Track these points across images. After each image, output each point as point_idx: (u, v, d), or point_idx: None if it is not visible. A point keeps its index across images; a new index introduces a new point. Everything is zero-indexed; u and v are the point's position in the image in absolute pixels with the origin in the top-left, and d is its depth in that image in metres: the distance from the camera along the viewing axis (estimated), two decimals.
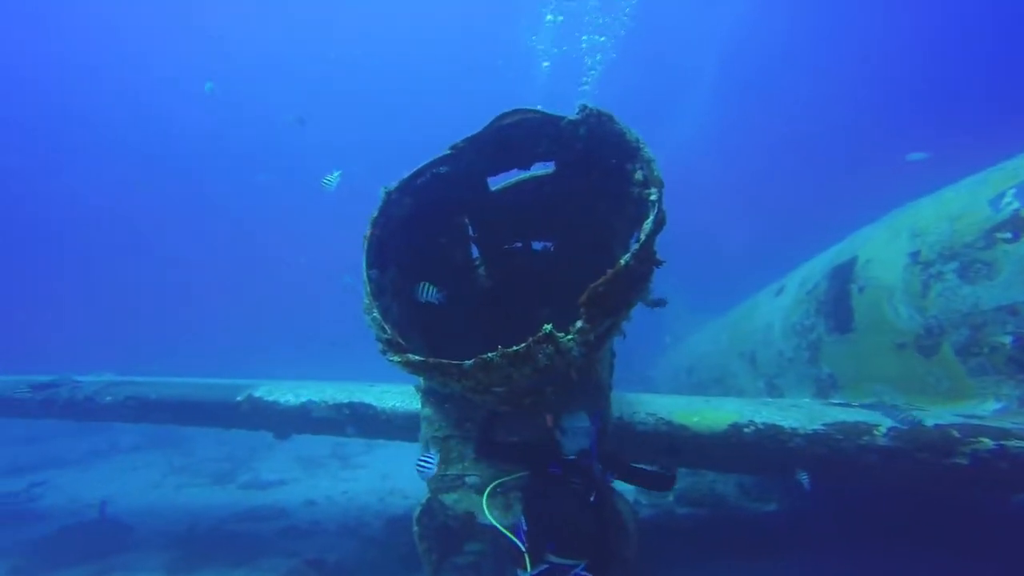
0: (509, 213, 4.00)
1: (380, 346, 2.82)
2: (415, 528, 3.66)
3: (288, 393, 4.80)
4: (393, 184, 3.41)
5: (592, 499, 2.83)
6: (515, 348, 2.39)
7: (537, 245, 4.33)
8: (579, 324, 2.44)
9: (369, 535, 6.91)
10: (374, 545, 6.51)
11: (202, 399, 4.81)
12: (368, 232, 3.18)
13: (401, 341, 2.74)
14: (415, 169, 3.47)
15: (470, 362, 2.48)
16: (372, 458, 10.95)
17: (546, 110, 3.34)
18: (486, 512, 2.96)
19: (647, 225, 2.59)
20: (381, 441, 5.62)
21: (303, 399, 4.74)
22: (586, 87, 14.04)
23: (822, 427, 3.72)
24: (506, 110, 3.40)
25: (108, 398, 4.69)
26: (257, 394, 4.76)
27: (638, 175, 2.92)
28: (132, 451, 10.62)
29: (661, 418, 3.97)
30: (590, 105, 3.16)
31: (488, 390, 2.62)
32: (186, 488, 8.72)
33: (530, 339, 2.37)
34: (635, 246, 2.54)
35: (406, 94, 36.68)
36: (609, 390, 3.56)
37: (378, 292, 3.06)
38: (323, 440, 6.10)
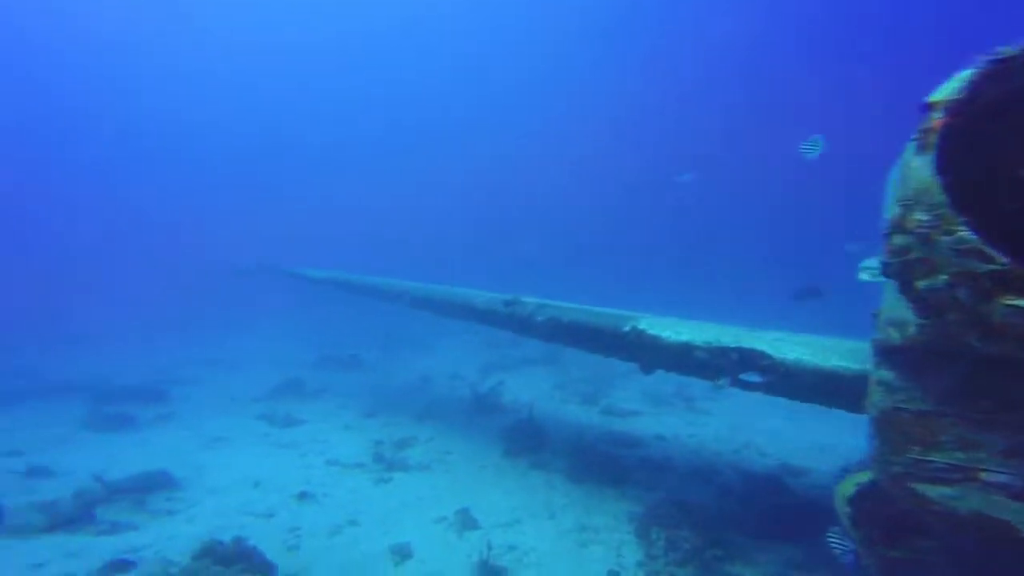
0: None
1: (953, 280, 1.80)
2: (845, 508, 2.59)
3: (668, 329, 4.45)
4: (1010, 48, 2.02)
5: None
6: None
7: None
8: None
9: (724, 485, 6.09)
10: (732, 497, 5.66)
11: (597, 325, 5.05)
12: (940, 121, 2.01)
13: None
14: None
15: None
16: (717, 405, 9.90)
17: None
18: None
19: None
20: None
21: (683, 337, 4.26)
22: None
23: None
24: None
25: (540, 317, 5.51)
26: (641, 326, 4.64)
27: None
28: (535, 364, 13.02)
29: None
30: None
31: None
32: (567, 403, 9.96)
33: None
34: None
35: None
36: None
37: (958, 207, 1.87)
38: (667, 378, 5.53)
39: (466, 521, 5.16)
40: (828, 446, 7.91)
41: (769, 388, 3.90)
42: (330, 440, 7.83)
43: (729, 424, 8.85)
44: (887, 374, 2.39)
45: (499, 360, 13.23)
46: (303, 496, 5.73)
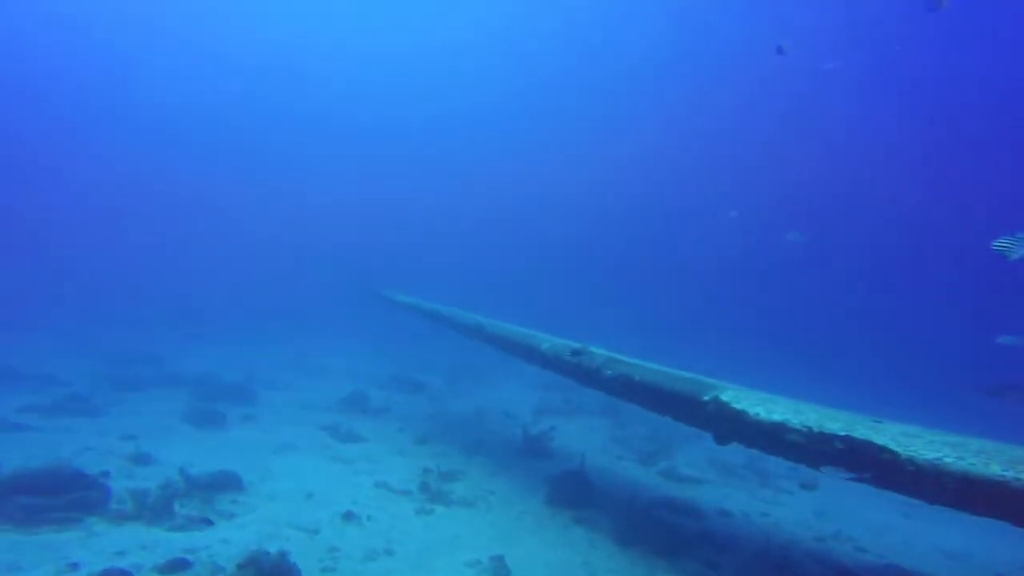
0: None
1: None
2: None
3: (758, 405, 3.77)
4: None
5: None
6: None
7: None
8: None
9: None
10: None
11: (673, 390, 4.49)
12: None
13: None
14: None
15: None
16: (796, 484, 8.38)
17: None
18: None
19: None
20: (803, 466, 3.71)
21: (776, 417, 3.55)
22: None
23: None
24: None
25: (609, 372, 5.06)
26: (724, 397, 4.02)
27: None
28: (592, 414, 12.30)
29: None
30: None
31: None
32: (622, 460, 9.25)
33: None
34: None
35: None
36: None
37: None
38: (738, 447, 4.67)
39: (499, 569, 4.76)
40: (957, 553, 6.31)
41: (903, 489, 3.06)
42: (383, 462, 7.79)
43: (815, 509, 7.49)
44: None
45: (556, 405, 12.74)
46: (348, 516, 5.68)
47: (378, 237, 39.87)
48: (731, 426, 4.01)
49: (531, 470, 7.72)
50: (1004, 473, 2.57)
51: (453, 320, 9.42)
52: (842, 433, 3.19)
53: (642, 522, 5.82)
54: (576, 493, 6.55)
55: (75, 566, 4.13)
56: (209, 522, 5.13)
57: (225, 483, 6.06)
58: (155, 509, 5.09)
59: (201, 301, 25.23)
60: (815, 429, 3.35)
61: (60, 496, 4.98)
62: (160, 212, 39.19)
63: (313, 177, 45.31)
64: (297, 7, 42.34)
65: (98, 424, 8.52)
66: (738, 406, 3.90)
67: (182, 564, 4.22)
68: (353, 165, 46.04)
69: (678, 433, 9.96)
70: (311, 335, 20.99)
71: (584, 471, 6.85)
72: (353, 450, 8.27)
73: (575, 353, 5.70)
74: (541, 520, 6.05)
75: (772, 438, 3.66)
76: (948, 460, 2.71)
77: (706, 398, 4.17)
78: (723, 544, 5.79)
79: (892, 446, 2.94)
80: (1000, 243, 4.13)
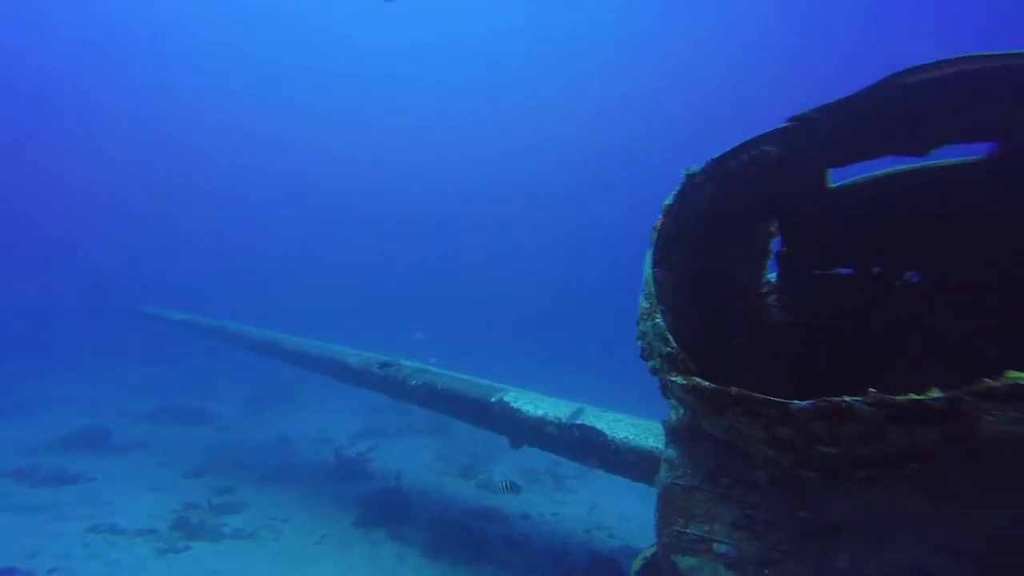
0: (849, 222, 2.68)
1: (658, 362, 2.16)
2: None
3: (530, 403, 4.68)
4: (697, 167, 2.56)
5: None
6: (918, 397, 1.38)
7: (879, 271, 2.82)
8: None
9: (571, 567, 6.13)
10: None
11: (467, 395, 5.12)
12: (659, 223, 2.47)
13: (688, 359, 2.05)
14: (731, 148, 2.53)
15: (807, 404, 1.53)
16: (583, 484, 10.18)
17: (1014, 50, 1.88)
18: None
19: None
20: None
21: (540, 412, 4.52)
22: None
23: None
24: (919, 64, 1.95)
25: (413, 382, 5.43)
26: (506, 399, 4.83)
27: None
28: (420, 434, 12.34)
29: None
30: None
31: (807, 448, 1.65)
32: (444, 475, 9.57)
33: (964, 389, 1.33)
34: None
35: None
36: None
37: (662, 298, 2.29)
38: (542, 456, 5.77)
39: None
40: None
41: (607, 467, 4.23)
42: (115, 503, 6.60)
43: (589, 504, 9.10)
44: (671, 452, 2.80)
45: (380, 426, 12.44)
46: (11, 572, 4.63)
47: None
48: (511, 424, 4.80)
49: (342, 493, 7.45)
50: (657, 445, 3.85)
51: (243, 338, 8.58)
52: (578, 422, 4.29)
53: (452, 533, 6.19)
54: (392, 512, 6.62)
55: None
56: None
57: None
58: None
59: None
60: (564, 421, 4.40)
61: None
62: None
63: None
64: None
65: None
66: (515, 405, 4.67)
67: None
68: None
69: (496, 446, 10.95)
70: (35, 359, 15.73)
71: (401, 489, 6.95)
72: (62, 494, 6.82)
73: (383, 365, 5.93)
74: (348, 541, 5.95)
75: (537, 431, 4.59)
76: (631, 438, 3.99)
77: (493, 400, 4.85)
78: (519, 544, 6.54)
79: (606, 430, 4.14)
80: None
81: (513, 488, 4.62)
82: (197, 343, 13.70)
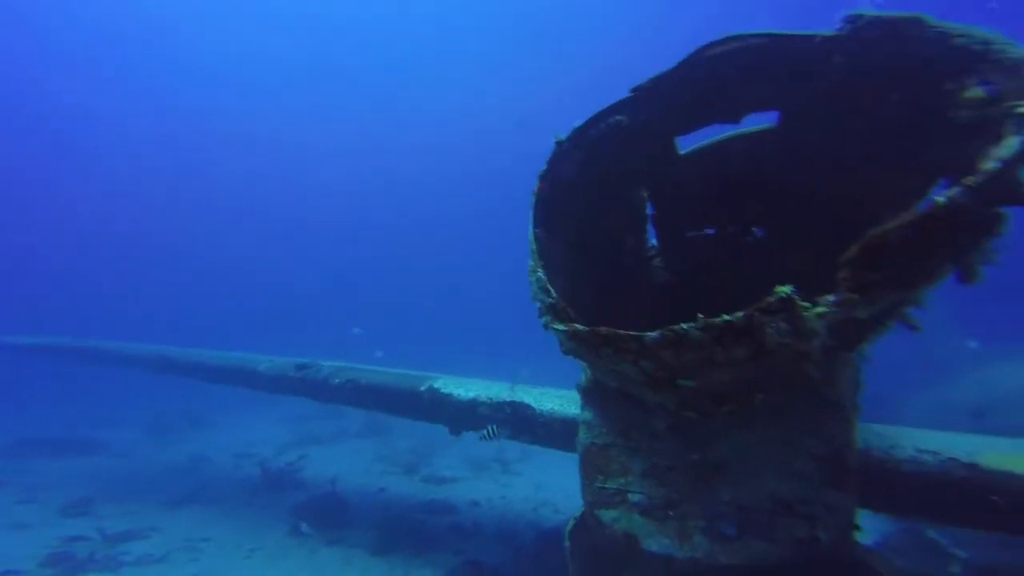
0: (701, 185, 2.92)
1: (542, 312, 2.25)
2: (566, 543, 2.91)
3: (460, 388, 4.63)
4: (564, 135, 2.68)
5: None
6: (727, 317, 1.56)
7: (736, 229, 3.13)
8: (840, 295, 1.51)
9: (521, 546, 6.26)
10: (526, 557, 5.83)
11: (395, 386, 4.97)
12: (536, 187, 2.58)
13: (567, 308, 2.13)
14: (590, 116, 2.68)
15: (655, 334, 1.69)
16: (528, 466, 10.38)
17: (781, 30, 2.21)
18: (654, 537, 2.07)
19: (1011, 144, 1.52)
20: (537, 448, 5.04)
21: (471, 394, 4.50)
22: None
23: None
24: (717, 37, 2.23)
25: (336, 380, 5.15)
26: (436, 385, 4.73)
27: (973, 92, 1.84)
28: (356, 437, 11.85)
29: (953, 458, 2.50)
30: (869, 11, 2.11)
31: (672, 382, 1.82)
32: (385, 475, 9.32)
33: (754, 306, 1.51)
34: (979, 176, 1.49)
35: None
36: (854, 413, 2.30)
37: (543, 255, 2.39)
38: (488, 445, 5.80)
39: None
40: None
41: (539, 440, 4.32)
42: None
43: (535, 484, 9.30)
44: (588, 414, 2.91)
45: (310, 434, 11.79)
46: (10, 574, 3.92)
47: None
48: (445, 410, 4.70)
49: (272, 506, 7.01)
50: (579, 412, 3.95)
51: (121, 356, 7.66)
52: (508, 399, 4.33)
53: (401, 529, 6.09)
54: (329, 517, 6.36)
55: None
56: None
57: None
58: None
59: None
60: (494, 399, 4.40)
61: None
62: None
63: None
64: None
65: None
66: (446, 391, 4.61)
67: None
68: None
69: (439, 440, 10.81)
70: None
71: (336, 493, 6.67)
72: None
73: (300, 367, 5.57)
74: (283, 551, 5.68)
75: (471, 414, 4.55)
76: (556, 409, 4.11)
77: (423, 388, 4.75)
78: (470, 532, 6.53)
79: (534, 404, 4.22)
80: None
81: (499, 434, 4.35)
82: (86, 370, 11.94)
